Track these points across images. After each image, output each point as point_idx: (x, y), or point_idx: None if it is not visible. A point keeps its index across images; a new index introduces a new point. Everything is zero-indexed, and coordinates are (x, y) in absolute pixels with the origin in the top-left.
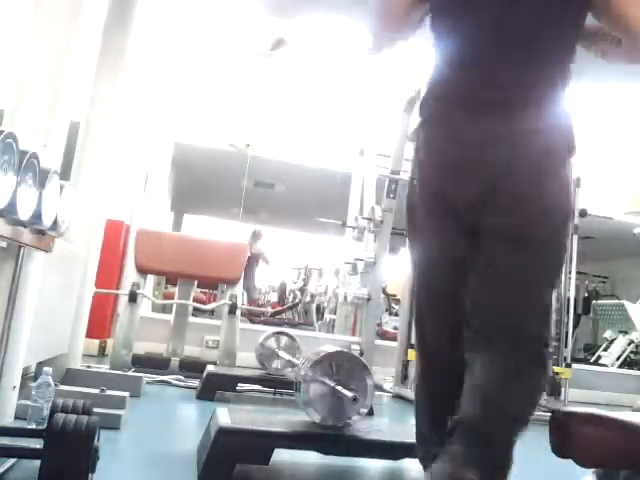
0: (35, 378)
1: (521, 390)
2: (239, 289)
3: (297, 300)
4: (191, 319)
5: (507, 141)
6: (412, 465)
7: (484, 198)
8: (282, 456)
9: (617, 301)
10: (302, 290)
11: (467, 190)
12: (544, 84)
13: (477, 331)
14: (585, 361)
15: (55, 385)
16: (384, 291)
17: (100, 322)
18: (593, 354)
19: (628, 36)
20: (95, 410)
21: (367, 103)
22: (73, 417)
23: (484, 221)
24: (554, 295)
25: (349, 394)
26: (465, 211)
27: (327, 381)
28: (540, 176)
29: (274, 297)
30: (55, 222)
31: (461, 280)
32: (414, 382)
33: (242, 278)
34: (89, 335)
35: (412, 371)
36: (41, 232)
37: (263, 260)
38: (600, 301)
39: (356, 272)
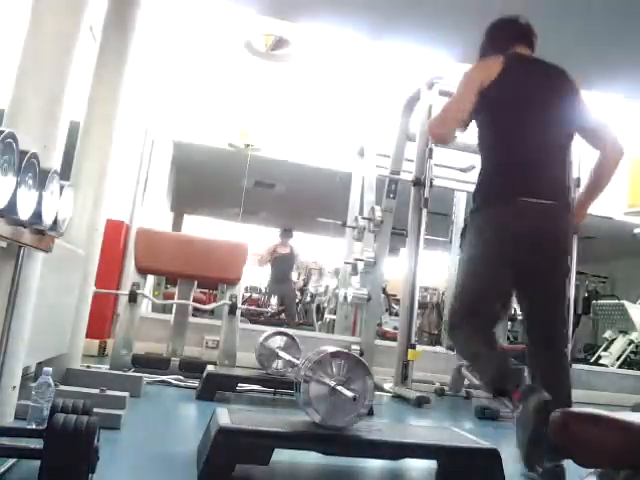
0: (35, 378)
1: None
2: (239, 289)
3: (297, 300)
4: (191, 319)
5: (550, 217)
6: (412, 465)
7: (533, 248)
8: (282, 456)
9: (617, 301)
10: (302, 290)
11: (523, 246)
12: (567, 178)
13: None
14: (585, 361)
15: (55, 385)
16: (384, 291)
17: (100, 322)
18: (593, 354)
19: (598, 142)
20: (95, 410)
21: (367, 103)
22: (73, 417)
23: (531, 264)
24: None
25: (349, 394)
26: (519, 259)
27: (327, 381)
28: (565, 237)
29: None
30: (55, 222)
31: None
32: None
33: (276, 282)
34: (89, 335)
35: (412, 372)
36: (41, 232)
37: (295, 263)
38: (600, 301)
39: (356, 272)
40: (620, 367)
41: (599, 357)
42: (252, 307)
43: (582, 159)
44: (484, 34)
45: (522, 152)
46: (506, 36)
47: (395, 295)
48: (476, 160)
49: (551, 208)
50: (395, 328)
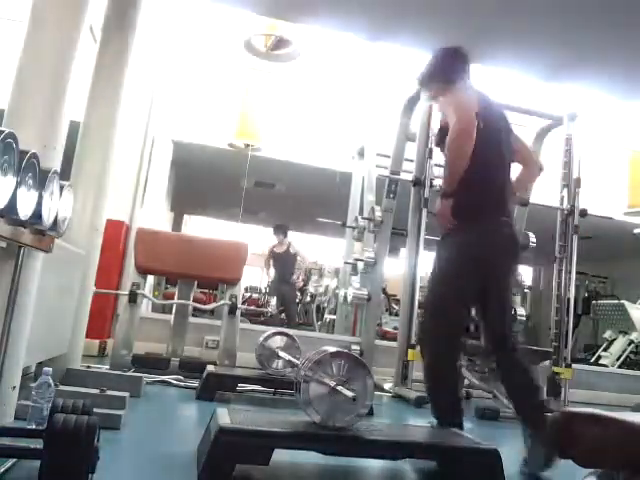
0: (35, 378)
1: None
2: (239, 289)
3: (297, 300)
4: (191, 319)
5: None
6: (412, 465)
7: (498, 255)
8: (282, 456)
9: (617, 301)
10: (302, 290)
11: (494, 254)
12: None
13: (497, 335)
14: (585, 361)
15: (55, 385)
16: (384, 291)
17: (100, 322)
18: (593, 354)
19: (525, 163)
20: (95, 410)
21: (367, 103)
22: (73, 417)
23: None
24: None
25: (349, 394)
26: (489, 263)
27: (327, 381)
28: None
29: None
30: (55, 222)
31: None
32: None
33: (277, 282)
34: (89, 335)
35: (412, 372)
36: (41, 232)
37: (301, 260)
38: (600, 301)
39: (356, 272)
40: (620, 367)
41: (599, 357)
42: (252, 307)
43: (582, 159)
44: (434, 62)
45: (493, 174)
46: (457, 66)
47: (395, 295)
48: None
49: (509, 224)
50: (395, 328)
